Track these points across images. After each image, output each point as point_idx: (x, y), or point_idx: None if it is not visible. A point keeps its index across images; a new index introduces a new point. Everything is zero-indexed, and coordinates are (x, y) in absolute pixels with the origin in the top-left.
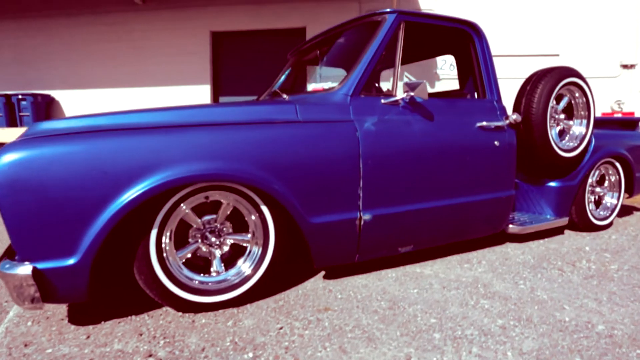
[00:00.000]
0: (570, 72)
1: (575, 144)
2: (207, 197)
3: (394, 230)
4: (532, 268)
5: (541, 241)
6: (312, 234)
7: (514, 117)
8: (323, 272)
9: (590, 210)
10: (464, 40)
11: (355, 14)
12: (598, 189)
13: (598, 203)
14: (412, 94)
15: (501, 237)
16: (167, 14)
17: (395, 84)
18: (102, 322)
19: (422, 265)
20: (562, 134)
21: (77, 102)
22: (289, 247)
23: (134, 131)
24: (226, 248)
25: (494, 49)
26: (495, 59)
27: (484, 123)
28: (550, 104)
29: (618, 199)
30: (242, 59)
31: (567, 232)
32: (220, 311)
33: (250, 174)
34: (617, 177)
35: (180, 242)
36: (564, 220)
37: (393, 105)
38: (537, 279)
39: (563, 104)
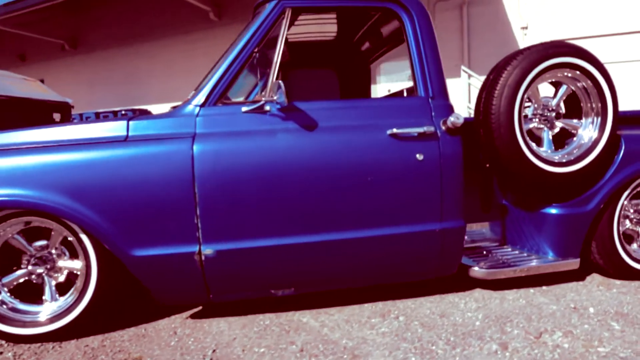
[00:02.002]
0: (560, 49)
1: (579, 153)
2: (28, 223)
3: (255, 268)
4: (461, 337)
5: (532, 290)
6: (138, 268)
7: (451, 119)
8: (199, 308)
9: (627, 249)
10: (392, 22)
11: None
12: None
13: None
14: (275, 97)
15: (473, 281)
16: (240, 27)
17: (269, 88)
18: None
19: (320, 312)
20: (565, 137)
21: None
22: (120, 280)
23: None
24: (62, 277)
25: None
26: None
27: (395, 130)
28: (520, 97)
29: None
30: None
31: (592, 277)
32: (39, 345)
33: (51, 202)
34: None
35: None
36: (571, 263)
37: (259, 114)
38: (448, 357)
39: (561, 95)
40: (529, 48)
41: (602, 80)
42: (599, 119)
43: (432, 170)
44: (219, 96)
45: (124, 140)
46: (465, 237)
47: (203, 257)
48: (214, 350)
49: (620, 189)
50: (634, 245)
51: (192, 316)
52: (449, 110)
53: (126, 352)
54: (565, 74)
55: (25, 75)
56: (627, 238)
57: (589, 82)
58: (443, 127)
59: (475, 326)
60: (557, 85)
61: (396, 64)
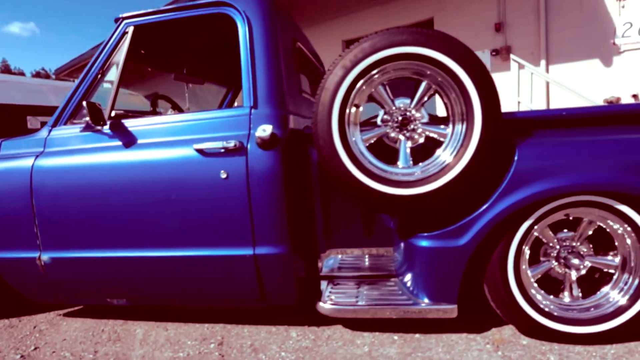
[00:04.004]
0: (393, 39)
1: (434, 170)
2: None
3: (86, 277)
4: None
5: (395, 337)
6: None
7: (257, 132)
8: (80, 307)
9: (533, 299)
10: (232, 28)
11: None
12: (574, 261)
13: (594, 284)
14: (87, 119)
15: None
16: (308, 30)
17: (110, 107)
18: None
19: (162, 326)
20: (434, 148)
21: None
22: None
23: None
24: None
25: None
26: None
27: (197, 145)
28: (339, 101)
29: (628, 290)
30: None
31: (501, 329)
32: None
33: None
34: (629, 237)
35: None
36: (444, 311)
37: (94, 133)
38: None
39: (420, 96)
40: (366, 38)
41: (464, 75)
42: (465, 125)
43: (238, 189)
44: (69, 116)
45: None
46: (366, 264)
47: (42, 263)
48: (35, 348)
49: (513, 219)
50: (565, 294)
51: (67, 314)
52: (274, 120)
53: None
54: (420, 69)
55: (146, 90)
56: (557, 283)
57: (447, 77)
58: (256, 141)
59: None
60: (418, 83)
61: None
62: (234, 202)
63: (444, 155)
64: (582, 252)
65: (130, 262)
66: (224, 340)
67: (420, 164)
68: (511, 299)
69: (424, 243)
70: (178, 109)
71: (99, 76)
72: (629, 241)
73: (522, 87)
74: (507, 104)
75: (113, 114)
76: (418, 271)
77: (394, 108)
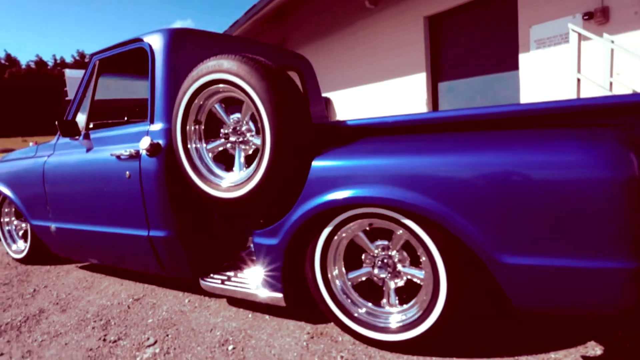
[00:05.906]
0: (212, 67)
1: (245, 177)
2: None
3: (74, 242)
4: (125, 324)
5: (250, 315)
6: (36, 232)
7: (139, 144)
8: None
9: (343, 304)
10: (146, 58)
11: None
12: (376, 269)
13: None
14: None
15: None
16: (392, 10)
17: (87, 121)
18: None
19: (119, 281)
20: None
21: (341, 101)
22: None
23: None
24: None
25: None
26: None
27: (112, 152)
28: (180, 119)
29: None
30: (458, 37)
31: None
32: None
33: None
34: (428, 259)
35: None
36: (272, 299)
37: (74, 141)
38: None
39: (244, 112)
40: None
41: (249, 89)
42: (261, 138)
43: (136, 186)
44: None
45: (32, 157)
46: None
47: (53, 230)
48: (45, 286)
49: (312, 224)
50: (384, 301)
51: (81, 267)
52: (163, 133)
53: (26, 274)
54: (230, 90)
55: None
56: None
57: (246, 97)
58: (143, 149)
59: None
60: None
61: (548, 25)
62: (134, 195)
63: (253, 164)
64: (395, 262)
65: (88, 233)
66: (141, 297)
67: (234, 171)
68: (321, 298)
69: (255, 239)
70: None
71: (83, 98)
72: (424, 259)
73: (594, 61)
74: (569, 82)
75: (91, 125)
76: (257, 262)
77: (228, 122)
